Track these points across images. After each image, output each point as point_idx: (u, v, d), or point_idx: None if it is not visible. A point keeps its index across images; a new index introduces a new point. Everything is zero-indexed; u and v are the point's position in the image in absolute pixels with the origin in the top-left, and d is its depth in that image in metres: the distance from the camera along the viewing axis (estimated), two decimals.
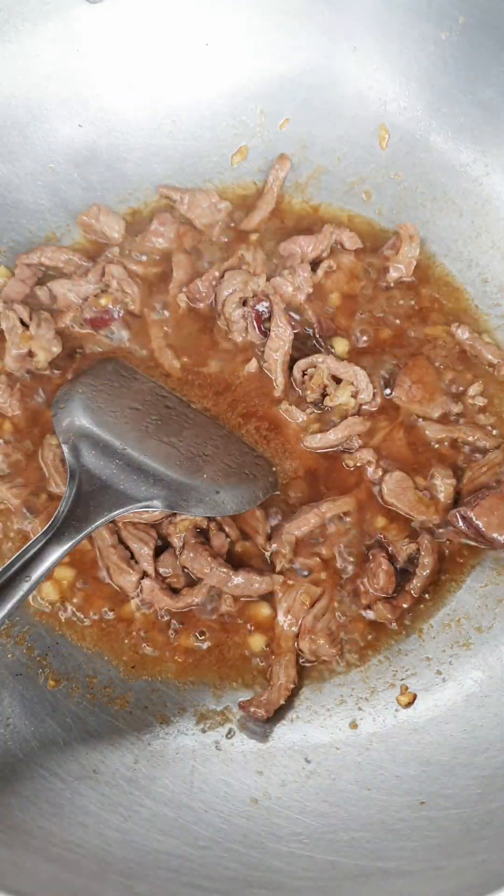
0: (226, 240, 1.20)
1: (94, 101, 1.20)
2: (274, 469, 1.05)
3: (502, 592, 1.01)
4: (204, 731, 0.94)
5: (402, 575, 1.00)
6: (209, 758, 0.92)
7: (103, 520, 0.91)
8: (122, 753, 0.91)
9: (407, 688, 0.96)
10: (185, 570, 1.00)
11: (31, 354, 1.08)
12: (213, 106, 1.25)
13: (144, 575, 0.98)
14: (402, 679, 0.97)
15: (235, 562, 1.00)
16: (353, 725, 0.94)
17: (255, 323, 1.11)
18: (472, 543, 1.02)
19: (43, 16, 1.14)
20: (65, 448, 0.98)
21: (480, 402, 1.10)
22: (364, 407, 1.08)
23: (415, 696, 0.96)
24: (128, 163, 1.23)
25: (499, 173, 1.20)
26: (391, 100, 1.22)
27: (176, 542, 1.00)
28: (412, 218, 1.22)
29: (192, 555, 0.98)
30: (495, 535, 0.98)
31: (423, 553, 0.99)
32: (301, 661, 0.98)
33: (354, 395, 1.07)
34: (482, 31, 1.12)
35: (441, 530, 1.02)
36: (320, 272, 1.15)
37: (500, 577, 1.02)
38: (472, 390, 1.10)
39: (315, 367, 1.07)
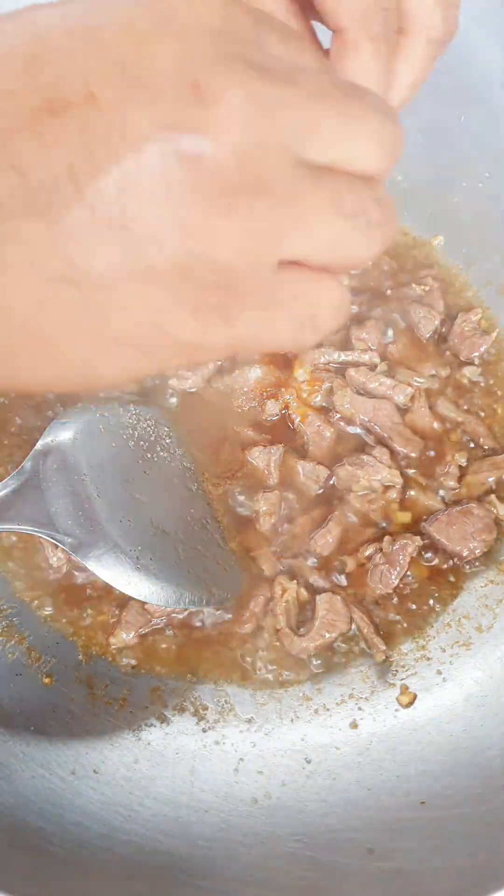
0: None
1: None
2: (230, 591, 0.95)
3: (502, 592, 1.01)
4: (204, 731, 0.94)
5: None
6: (209, 758, 0.92)
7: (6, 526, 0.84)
8: (122, 753, 0.91)
9: (407, 688, 0.96)
10: None
11: None
12: None
13: None
14: (402, 679, 0.97)
15: None
16: (354, 725, 0.94)
17: None
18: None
19: None
20: (40, 443, 0.89)
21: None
22: None
23: (415, 696, 0.96)
24: None
25: (499, 173, 1.19)
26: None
27: None
28: (412, 218, 1.22)
29: None
30: (457, 548, 1.00)
31: None
32: None
33: None
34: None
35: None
36: None
37: (500, 577, 1.02)
38: None
39: None
